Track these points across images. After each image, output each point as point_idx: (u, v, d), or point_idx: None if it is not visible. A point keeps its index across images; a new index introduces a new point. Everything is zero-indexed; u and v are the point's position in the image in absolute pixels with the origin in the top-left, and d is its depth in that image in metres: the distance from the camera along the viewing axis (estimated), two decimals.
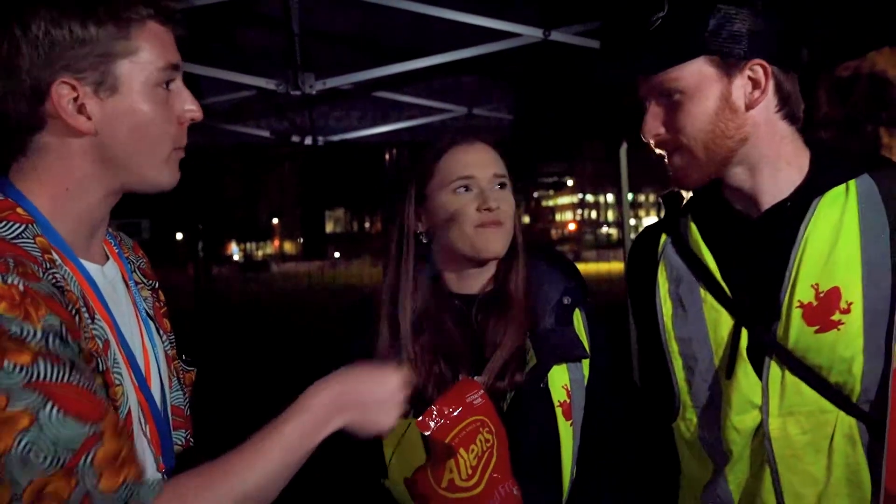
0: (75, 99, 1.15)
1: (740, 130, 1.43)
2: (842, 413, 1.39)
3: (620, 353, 1.78)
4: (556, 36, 3.85)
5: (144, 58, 1.18)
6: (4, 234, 1.10)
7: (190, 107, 1.24)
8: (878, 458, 1.36)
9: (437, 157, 1.68)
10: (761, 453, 1.44)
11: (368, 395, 1.24)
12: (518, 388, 1.60)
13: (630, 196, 6.57)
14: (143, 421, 1.22)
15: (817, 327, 1.38)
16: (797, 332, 1.40)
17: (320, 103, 5.28)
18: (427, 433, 1.40)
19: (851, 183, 1.42)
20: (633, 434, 1.66)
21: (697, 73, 1.41)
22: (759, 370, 1.44)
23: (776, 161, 1.46)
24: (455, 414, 1.41)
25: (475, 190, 1.64)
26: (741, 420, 1.45)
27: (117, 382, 1.16)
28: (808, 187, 1.45)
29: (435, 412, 1.41)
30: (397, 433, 1.58)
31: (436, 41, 4.19)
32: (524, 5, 4.00)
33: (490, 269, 1.71)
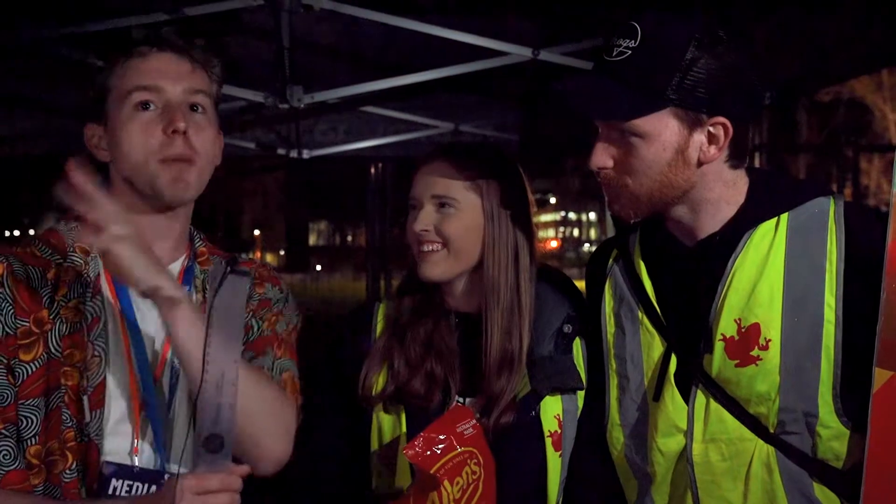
0: (100, 137, 1.40)
1: (688, 182, 1.41)
2: (760, 441, 1.40)
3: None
4: (545, 55, 3.90)
5: (123, 88, 1.37)
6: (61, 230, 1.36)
7: (170, 119, 1.35)
8: (796, 485, 1.39)
9: (415, 173, 1.68)
10: (684, 477, 1.46)
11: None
12: (507, 416, 1.56)
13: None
14: (129, 404, 1.30)
15: (737, 361, 1.39)
16: (720, 364, 1.41)
17: (307, 116, 5.29)
18: (413, 461, 1.37)
19: (783, 217, 1.41)
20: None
21: (659, 123, 1.36)
22: (687, 396, 1.45)
23: (717, 202, 1.44)
24: (444, 444, 1.38)
25: (416, 210, 1.63)
26: (665, 443, 1.46)
27: (96, 353, 1.29)
28: (739, 220, 1.44)
29: (422, 440, 1.38)
30: (386, 453, 1.58)
31: (425, 58, 4.22)
32: (514, 24, 4.05)
33: (470, 288, 1.64)
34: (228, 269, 1.18)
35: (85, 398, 1.26)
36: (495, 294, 1.59)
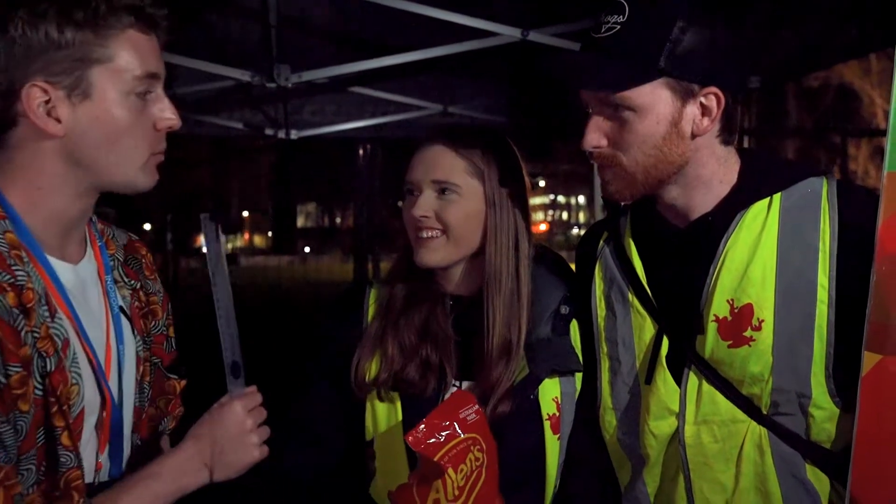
0: (46, 102, 1.15)
1: (683, 156, 1.39)
2: (753, 423, 1.40)
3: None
4: (534, 36, 3.88)
5: (121, 66, 1.18)
6: None
7: (168, 116, 1.24)
8: (787, 467, 1.39)
9: (412, 156, 1.63)
10: (676, 459, 1.45)
11: (217, 443, 1.24)
12: (507, 399, 1.53)
13: (601, 198, 6.61)
14: (100, 416, 1.21)
15: (730, 342, 1.38)
16: (712, 345, 1.40)
17: (295, 96, 5.26)
18: (416, 448, 1.35)
19: (776, 197, 1.40)
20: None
21: (652, 95, 1.35)
22: (679, 378, 1.44)
23: (710, 181, 1.43)
24: (447, 431, 1.36)
25: (415, 194, 1.58)
26: (658, 426, 1.46)
27: (73, 381, 1.15)
28: (732, 200, 1.42)
29: (425, 427, 1.36)
30: (383, 442, 1.56)
31: (413, 38, 4.19)
32: (503, 5, 4.02)
33: (468, 273, 1.61)
34: (217, 223, 1.28)
35: (74, 431, 1.17)
36: (497, 281, 1.57)
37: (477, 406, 1.44)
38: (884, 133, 1.32)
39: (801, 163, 1.61)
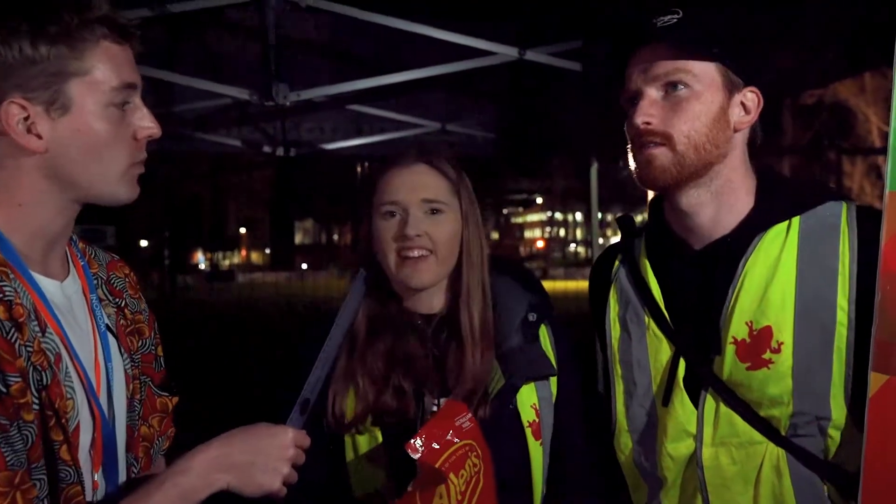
0: (25, 118, 1.14)
1: (726, 145, 1.44)
2: (771, 444, 1.40)
3: (586, 369, 1.74)
4: (531, 55, 3.90)
5: (98, 78, 1.17)
6: None
7: (147, 125, 1.23)
8: (806, 488, 1.38)
9: (376, 178, 1.62)
10: (694, 481, 1.45)
11: (252, 456, 1.22)
12: (487, 411, 1.54)
13: (599, 215, 6.65)
14: (92, 435, 1.20)
15: (749, 364, 1.39)
16: (731, 367, 1.41)
17: (293, 114, 5.28)
18: (416, 456, 1.36)
19: (795, 220, 1.42)
20: (600, 449, 1.63)
21: (708, 76, 1.42)
22: (696, 400, 1.44)
23: (738, 189, 1.46)
24: (445, 438, 1.38)
25: (399, 215, 1.57)
26: (675, 448, 1.46)
27: (68, 396, 1.14)
28: (751, 221, 1.45)
29: (424, 436, 1.37)
30: (359, 452, 1.55)
31: (411, 56, 4.22)
32: (501, 24, 4.05)
33: (441, 290, 1.62)
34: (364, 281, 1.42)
35: (73, 445, 1.16)
36: (470, 295, 1.59)
37: (471, 414, 1.45)
38: (879, 151, 1.33)
39: (821, 183, 1.64)
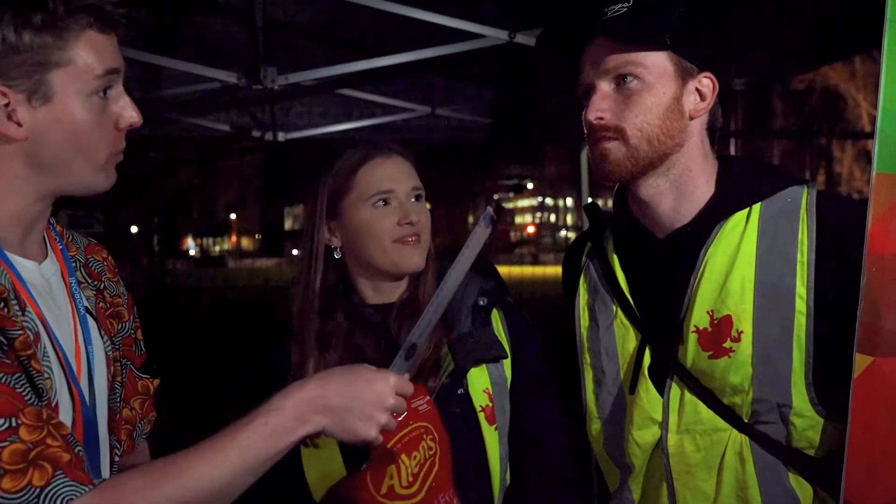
0: (6, 105, 1.14)
1: (681, 134, 1.44)
2: (734, 431, 1.41)
3: (552, 351, 1.71)
4: (521, 38, 3.88)
5: (81, 67, 1.16)
6: None
7: (130, 114, 1.22)
8: (769, 475, 1.40)
9: (353, 171, 1.63)
10: (660, 468, 1.47)
11: (349, 400, 1.18)
12: (437, 395, 1.54)
13: (589, 200, 6.65)
14: (73, 417, 1.19)
15: (710, 353, 1.40)
16: (693, 355, 1.42)
17: (282, 98, 5.23)
18: None
19: (756, 207, 1.42)
20: (565, 432, 1.62)
21: (659, 66, 1.41)
22: (662, 388, 1.46)
23: (697, 177, 1.46)
24: (399, 420, 1.35)
25: (394, 204, 1.61)
26: (641, 435, 1.47)
27: (47, 375, 1.14)
28: (712, 210, 1.45)
29: None
30: (319, 459, 1.51)
31: (401, 40, 4.19)
32: (490, 7, 4.02)
33: (407, 278, 1.67)
34: (491, 220, 1.35)
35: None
36: (429, 281, 1.63)
37: (428, 398, 1.45)
38: (868, 135, 1.33)
39: (782, 169, 1.65)
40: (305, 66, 4.34)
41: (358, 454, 1.40)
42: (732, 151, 5.54)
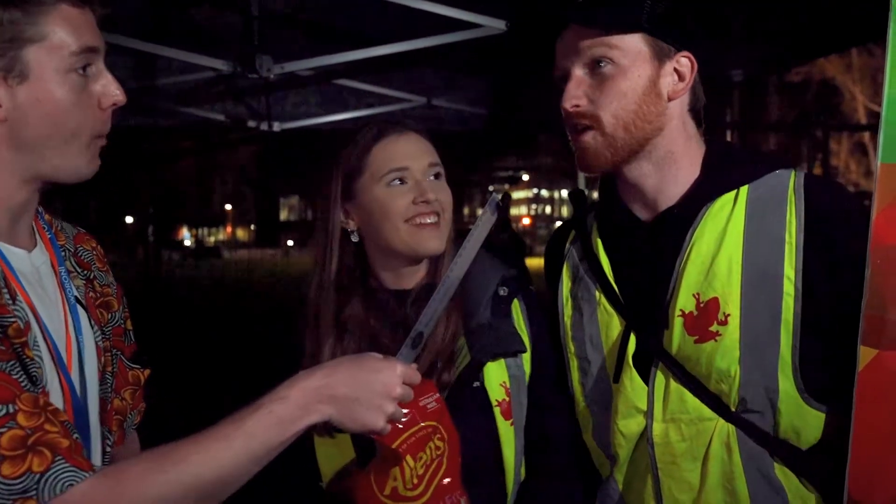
0: None
1: (659, 118, 1.40)
2: (721, 420, 1.38)
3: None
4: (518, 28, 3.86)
5: (55, 43, 1.13)
6: None
7: (113, 91, 1.19)
8: (755, 465, 1.38)
9: (367, 150, 1.57)
10: (645, 458, 1.44)
11: (356, 390, 1.17)
12: (451, 388, 1.50)
13: (585, 192, 6.61)
14: (62, 407, 1.17)
15: (696, 337, 1.37)
16: (679, 340, 1.39)
17: (278, 88, 5.21)
18: (374, 435, 1.30)
19: (743, 189, 1.40)
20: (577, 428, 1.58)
21: (633, 48, 1.38)
22: (646, 376, 1.43)
23: (681, 159, 1.43)
24: (406, 418, 1.32)
25: (410, 182, 1.53)
26: (626, 424, 1.45)
27: (38, 364, 1.13)
28: (698, 192, 1.42)
29: None
30: (331, 450, 1.50)
31: (397, 29, 4.16)
32: None
33: (426, 263, 1.60)
34: (497, 207, 1.34)
35: None
36: (447, 266, 1.54)
37: (437, 395, 1.40)
38: (865, 128, 1.32)
39: (769, 154, 1.63)
40: (301, 55, 4.32)
41: (370, 448, 1.38)
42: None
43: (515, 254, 1.53)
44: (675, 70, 1.41)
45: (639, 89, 1.39)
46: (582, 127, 1.41)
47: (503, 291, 1.57)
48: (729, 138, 5.68)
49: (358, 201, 1.58)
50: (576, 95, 1.40)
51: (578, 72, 1.41)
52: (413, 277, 1.60)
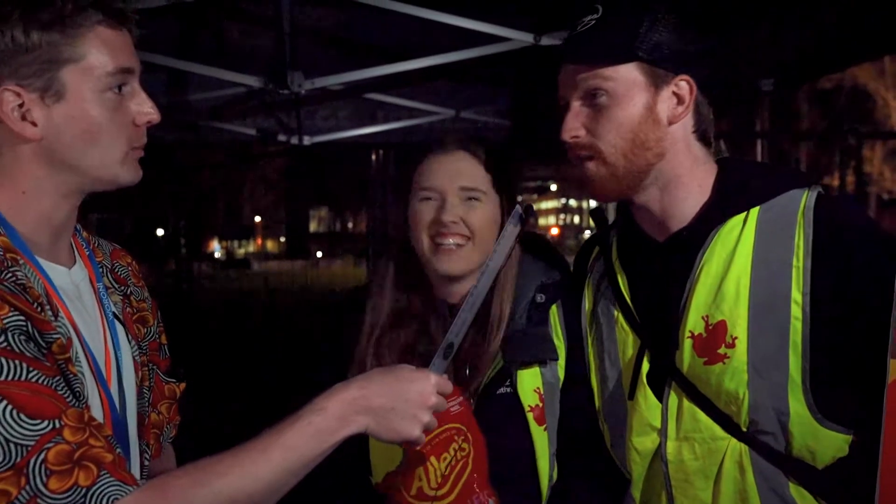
0: (20, 105, 1.14)
1: (659, 144, 1.40)
2: (733, 440, 1.38)
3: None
4: (546, 41, 3.88)
5: (92, 63, 1.16)
6: None
7: (147, 110, 1.22)
8: (770, 485, 1.36)
9: (418, 163, 1.63)
10: (659, 476, 1.44)
11: (392, 400, 1.19)
12: (480, 393, 1.53)
13: (605, 210, 6.58)
14: (102, 422, 1.19)
15: (706, 359, 1.38)
16: (689, 361, 1.40)
17: (308, 103, 5.28)
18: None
19: (753, 211, 1.39)
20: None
21: (627, 78, 1.38)
22: (661, 394, 1.43)
23: (688, 183, 1.43)
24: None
25: (436, 202, 1.58)
26: (641, 442, 1.45)
27: (80, 380, 1.15)
28: (709, 213, 1.42)
29: None
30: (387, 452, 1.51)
31: (426, 44, 4.20)
32: (516, 10, 4.03)
33: (474, 277, 1.57)
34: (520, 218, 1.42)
35: None
36: (505, 285, 1.59)
37: (462, 398, 1.44)
38: None
39: (788, 171, 1.61)
40: (331, 70, 4.38)
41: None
42: (759, 153, 5.47)
43: (559, 259, 1.53)
44: (675, 94, 1.41)
45: (635, 117, 1.39)
46: (583, 157, 1.43)
47: (540, 298, 1.60)
48: (760, 148, 5.62)
49: (406, 213, 1.65)
50: (574, 127, 1.42)
51: (576, 103, 1.42)
52: (460, 290, 1.61)
